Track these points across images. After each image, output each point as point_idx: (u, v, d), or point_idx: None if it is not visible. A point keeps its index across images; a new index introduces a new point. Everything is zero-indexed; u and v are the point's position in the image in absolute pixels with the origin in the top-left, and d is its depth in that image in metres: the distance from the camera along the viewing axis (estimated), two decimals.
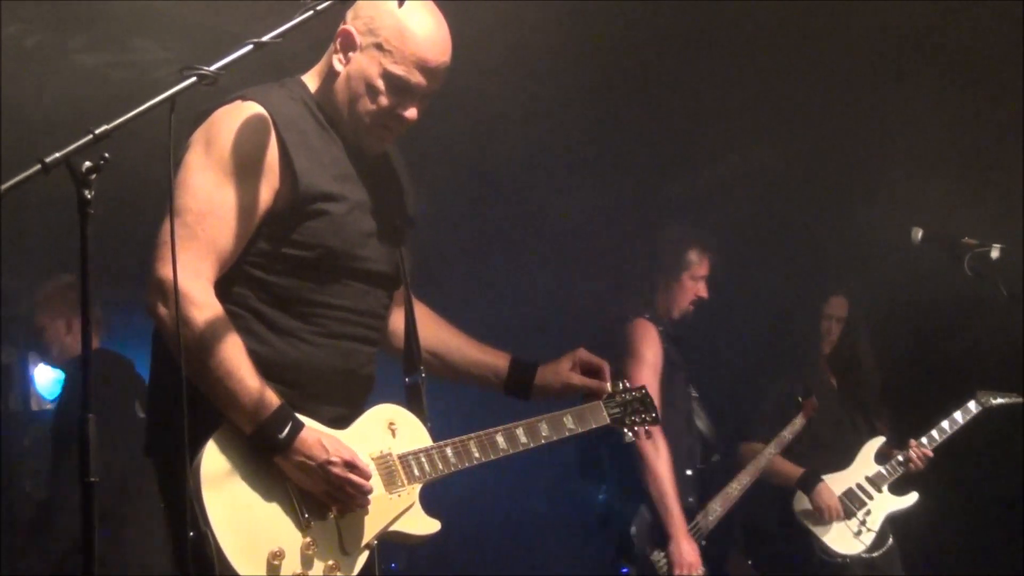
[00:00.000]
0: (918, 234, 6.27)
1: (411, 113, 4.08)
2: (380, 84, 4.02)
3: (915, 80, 7.74)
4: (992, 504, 8.76)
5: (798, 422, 7.52)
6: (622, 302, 7.14)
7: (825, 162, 8.38)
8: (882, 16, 7.20)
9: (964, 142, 7.81)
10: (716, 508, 7.03)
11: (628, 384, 4.83)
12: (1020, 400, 7.84)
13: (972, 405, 7.75)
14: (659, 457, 6.63)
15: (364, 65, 4.03)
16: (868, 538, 7.49)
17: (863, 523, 7.51)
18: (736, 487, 7.16)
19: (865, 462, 7.72)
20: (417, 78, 4.02)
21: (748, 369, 8.26)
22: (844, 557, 7.43)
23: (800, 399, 7.59)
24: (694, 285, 7.14)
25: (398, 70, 4.00)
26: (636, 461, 6.66)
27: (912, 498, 7.70)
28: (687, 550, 6.61)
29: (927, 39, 7.46)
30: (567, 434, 4.54)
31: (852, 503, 7.53)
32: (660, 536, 6.67)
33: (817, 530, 7.44)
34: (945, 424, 7.71)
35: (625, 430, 4.77)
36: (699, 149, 8.71)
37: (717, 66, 7.71)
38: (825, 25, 7.23)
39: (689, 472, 6.99)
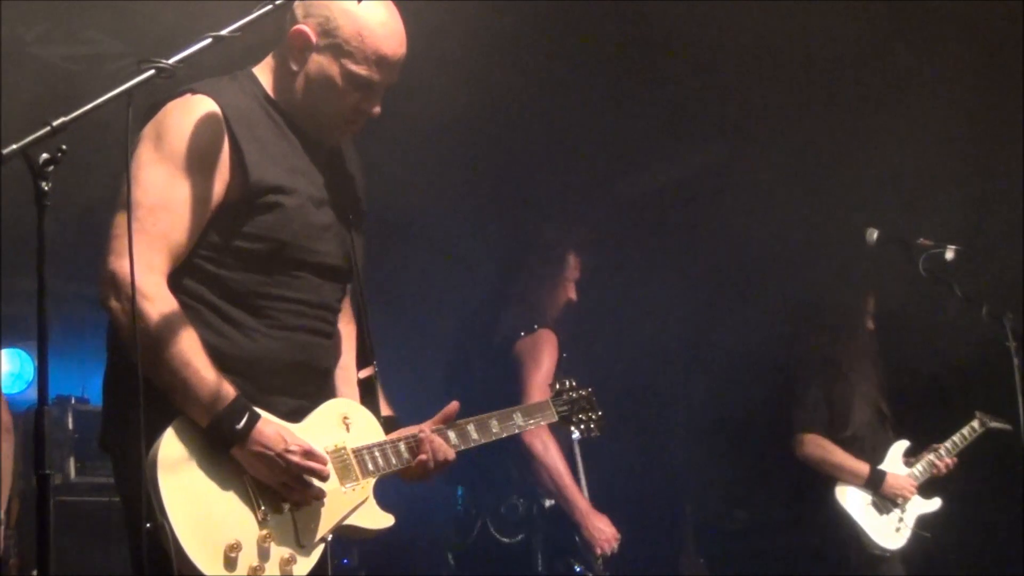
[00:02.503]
0: (873, 235, 6.31)
1: (374, 108, 4.13)
2: (342, 84, 4.04)
3: (870, 80, 7.79)
4: (986, 508, 8.81)
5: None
6: (510, 310, 7.08)
7: (775, 163, 8.42)
8: (835, 17, 7.24)
9: (921, 144, 7.84)
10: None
11: (575, 383, 4.90)
12: (1009, 428, 7.86)
13: (976, 424, 7.90)
14: (548, 451, 6.66)
15: (325, 66, 4.04)
16: (905, 535, 7.59)
17: (901, 520, 7.59)
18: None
19: (895, 463, 7.76)
20: (379, 75, 4.06)
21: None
22: (885, 551, 7.50)
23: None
24: (568, 287, 7.12)
25: (360, 70, 4.02)
26: (527, 460, 6.71)
27: (936, 503, 7.81)
28: (601, 526, 6.71)
29: (882, 39, 7.51)
30: (516, 431, 4.60)
31: (893, 501, 7.60)
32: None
33: (863, 524, 7.47)
34: (956, 438, 7.84)
35: (572, 428, 4.88)
36: (651, 149, 8.75)
37: (671, 67, 7.75)
38: (777, 28, 7.27)
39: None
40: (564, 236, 7.21)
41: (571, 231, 7.29)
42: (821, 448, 7.55)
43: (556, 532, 6.79)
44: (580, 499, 6.71)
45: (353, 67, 4.02)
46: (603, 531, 6.69)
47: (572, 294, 7.09)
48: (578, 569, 6.79)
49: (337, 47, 4.01)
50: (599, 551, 6.68)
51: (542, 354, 6.85)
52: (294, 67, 4.07)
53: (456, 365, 7.18)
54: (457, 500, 7.01)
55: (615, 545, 6.72)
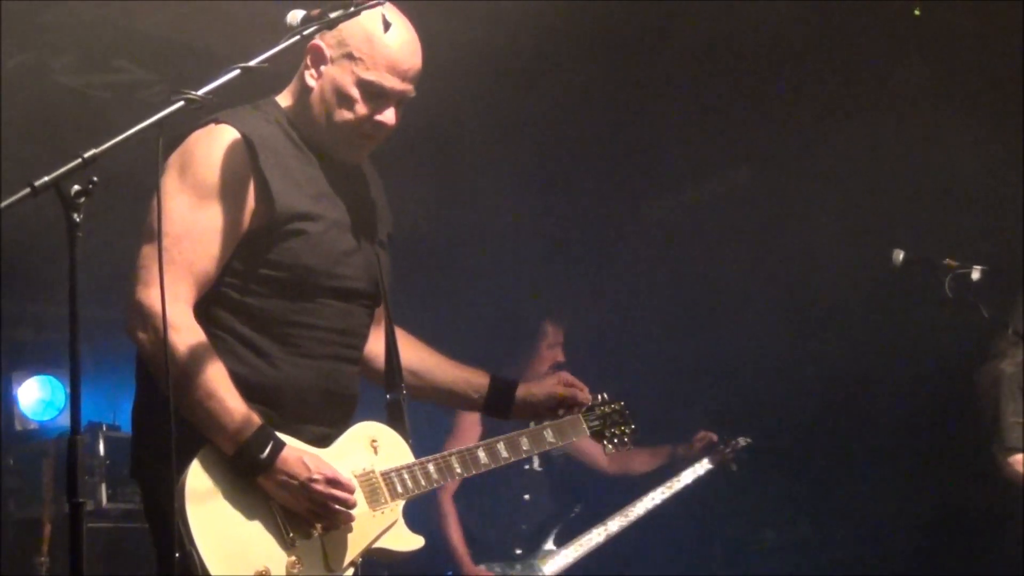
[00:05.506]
0: (899, 256, 6.27)
1: (388, 117, 4.09)
2: (355, 93, 4.03)
3: (892, 97, 7.80)
4: None
5: (700, 467, 7.75)
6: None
7: (801, 183, 8.41)
8: (860, 35, 7.25)
9: (943, 162, 7.82)
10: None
11: (607, 397, 4.87)
12: None
13: None
14: (443, 491, 7.17)
15: (337, 76, 4.04)
16: None
17: None
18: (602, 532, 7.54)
19: None
20: (391, 82, 4.04)
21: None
22: None
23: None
24: (551, 352, 7.80)
25: (371, 76, 4.01)
26: None
27: None
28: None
29: (908, 55, 7.52)
30: (548, 447, 4.59)
31: None
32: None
33: None
34: None
35: (604, 442, 4.82)
36: (676, 170, 8.75)
37: (693, 86, 7.76)
38: (801, 46, 7.29)
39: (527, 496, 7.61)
40: (538, 309, 7.99)
41: (544, 304, 8.11)
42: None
43: None
44: (457, 544, 7.35)
45: (364, 74, 4.01)
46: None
47: (559, 357, 7.77)
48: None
49: (348, 55, 4.02)
50: None
51: (458, 426, 7.23)
52: (311, 83, 4.08)
53: None
54: None
55: None
